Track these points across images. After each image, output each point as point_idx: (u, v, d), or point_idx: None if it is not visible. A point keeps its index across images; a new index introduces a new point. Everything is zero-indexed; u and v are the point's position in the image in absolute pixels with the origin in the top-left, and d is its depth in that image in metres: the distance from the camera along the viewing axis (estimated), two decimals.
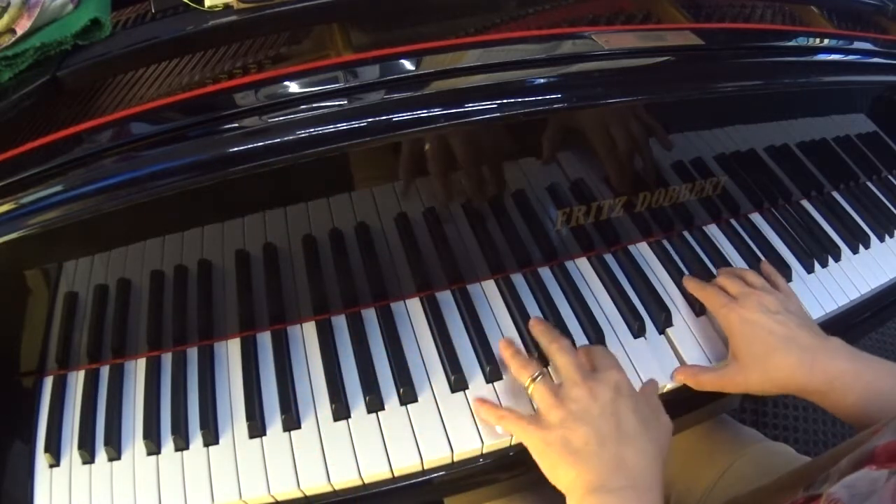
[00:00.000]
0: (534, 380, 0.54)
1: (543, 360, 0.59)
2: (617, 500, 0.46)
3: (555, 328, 0.60)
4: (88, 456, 0.55)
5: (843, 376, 0.52)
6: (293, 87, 0.53)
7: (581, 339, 0.62)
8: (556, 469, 0.50)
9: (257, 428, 0.56)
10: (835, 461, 0.43)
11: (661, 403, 0.55)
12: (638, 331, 0.63)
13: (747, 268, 0.69)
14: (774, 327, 0.55)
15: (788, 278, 0.70)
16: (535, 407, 0.54)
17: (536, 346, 0.60)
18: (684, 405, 0.62)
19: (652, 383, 0.59)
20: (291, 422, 0.56)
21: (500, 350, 0.59)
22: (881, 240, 0.79)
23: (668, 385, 0.61)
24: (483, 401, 0.57)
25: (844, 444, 0.49)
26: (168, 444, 0.56)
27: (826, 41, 0.72)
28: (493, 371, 0.59)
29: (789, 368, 0.53)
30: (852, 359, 0.53)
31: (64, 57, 0.57)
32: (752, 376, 0.55)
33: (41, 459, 0.56)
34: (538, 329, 0.60)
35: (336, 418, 0.57)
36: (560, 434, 0.50)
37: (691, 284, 0.66)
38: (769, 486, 0.56)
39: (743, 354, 0.56)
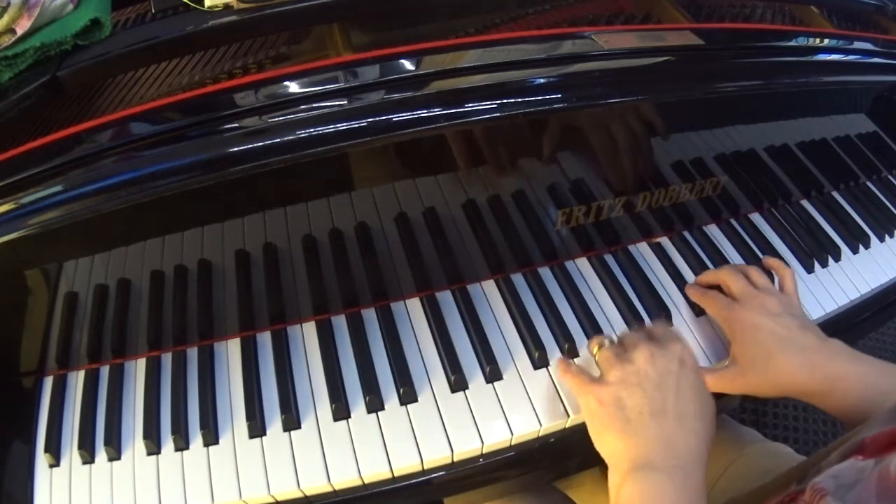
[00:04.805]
0: (601, 346, 0.55)
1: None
2: (665, 479, 0.46)
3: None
4: (88, 456, 0.55)
5: (843, 378, 0.51)
6: (293, 87, 0.53)
7: (581, 339, 0.62)
8: (603, 435, 0.50)
9: (257, 428, 0.56)
10: (828, 456, 0.43)
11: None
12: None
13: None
14: (776, 329, 0.55)
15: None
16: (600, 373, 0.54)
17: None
18: None
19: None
20: (291, 422, 0.56)
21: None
22: (881, 240, 0.79)
23: None
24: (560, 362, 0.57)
25: (838, 440, 0.49)
26: (168, 445, 0.56)
27: (826, 41, 0.72)
28: (492, 371, 0.59)
29: (790, 371, 0.53)
30: (852, 360, 0.53)
31: (64, 57, 0.57)
32: (752, 379, 0.54)
33: (41, 459, 0.56)
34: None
35: (336, 418, 0.57)
36: (615, 393, 0.50)
37: (693, 292, 0.65)
38: (768, 486, 0.56)
39: (743, 358, 0.55)
